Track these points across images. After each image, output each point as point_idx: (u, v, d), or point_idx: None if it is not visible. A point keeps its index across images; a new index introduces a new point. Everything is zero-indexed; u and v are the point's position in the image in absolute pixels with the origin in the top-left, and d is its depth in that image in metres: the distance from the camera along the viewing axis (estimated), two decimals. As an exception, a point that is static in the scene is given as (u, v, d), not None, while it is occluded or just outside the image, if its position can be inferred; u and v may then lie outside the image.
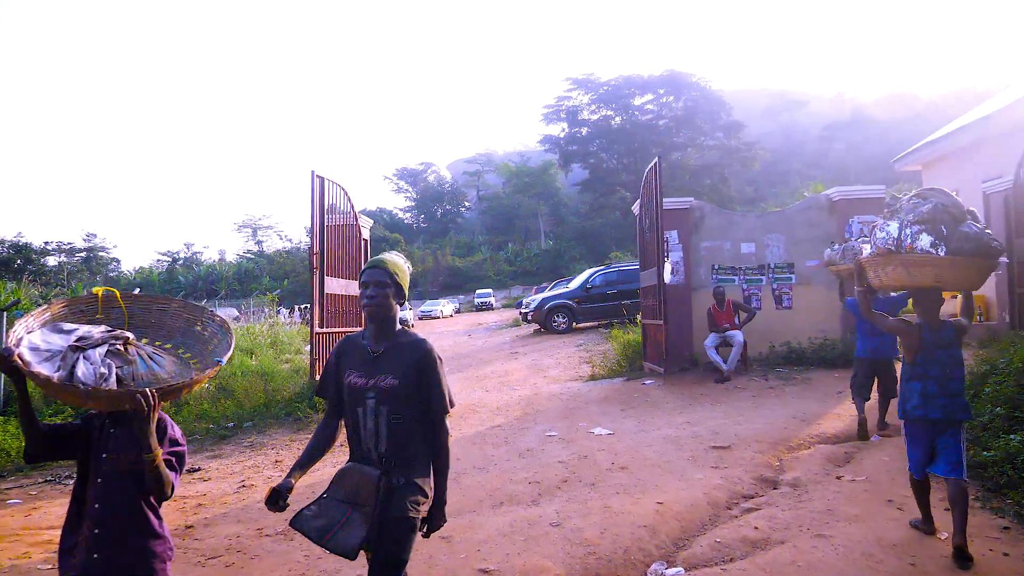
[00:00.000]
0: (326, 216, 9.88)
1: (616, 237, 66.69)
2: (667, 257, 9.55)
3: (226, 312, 34.43)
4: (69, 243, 71.51)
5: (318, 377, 9.67)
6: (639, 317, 12.72)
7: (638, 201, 11.34)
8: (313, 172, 9.60)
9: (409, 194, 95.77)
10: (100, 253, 74.59)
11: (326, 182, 9.85)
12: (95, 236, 74.20)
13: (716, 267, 11.15)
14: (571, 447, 7.37)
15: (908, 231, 4.09)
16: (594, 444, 7.41)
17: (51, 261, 69.28)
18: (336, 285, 10.14)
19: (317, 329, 9.50)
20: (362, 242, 11.33)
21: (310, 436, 7.84)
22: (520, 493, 5.92)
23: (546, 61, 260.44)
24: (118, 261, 77.57)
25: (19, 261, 63.31)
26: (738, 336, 10.04)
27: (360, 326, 11.05)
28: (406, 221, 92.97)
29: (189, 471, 7.79)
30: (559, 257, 67.37)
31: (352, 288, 10.73)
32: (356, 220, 11.06)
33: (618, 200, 71.58)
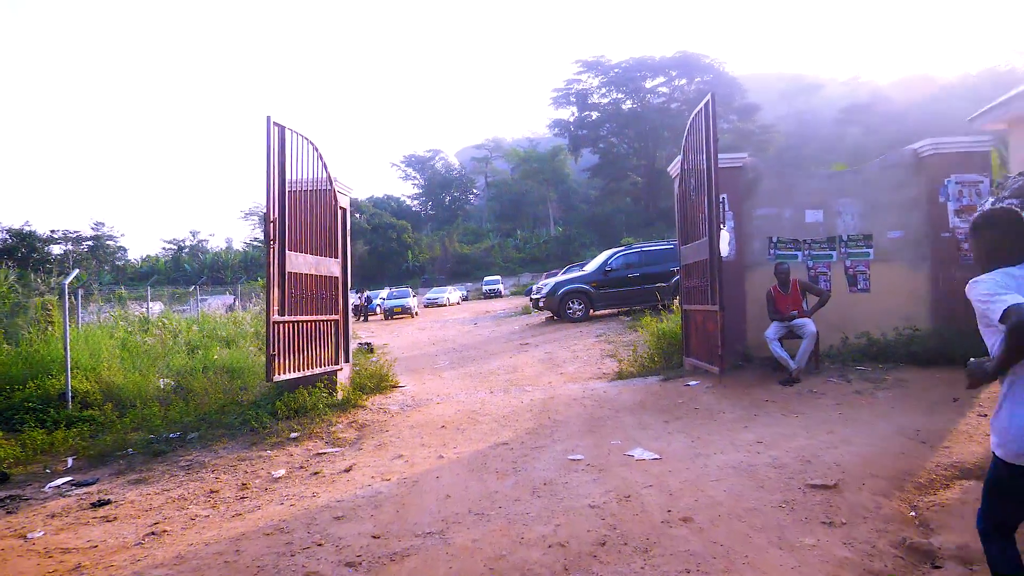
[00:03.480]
0: (288, 176, 7.84)
1: (627, 223, 64.98)
2: (723, 224, 7.44)
3: (221, 300, 32.52)
4: (76, 231, 70.15)
5: (276, 378, 7.70)
6: (676, 302, 10.68)
7: (676, 160, 9.23)
8: (270, 119, 7.53)
9: (417, 181, 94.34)
10: (107, 242, 73.23)
11: (288, 133, 7.80)
12: (103, 225, 72.84)
13: (774, 240, 9.02)
14: (604, 480, 5.33)
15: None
16: (636, 476, 5.36)
17: (56, 249, 68.07)
18: (302, 262, 8.11)
19: (275, 317, 7.48)
20: (339, 211, 9.26)
21: (265, 453, 5.60)
22: (537, 567, 3.88)
23: (555, 44, 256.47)
24: (125, 250, 76.16)
25: (23, 249, 62.02)
26: (809, 326, 7.94)
27: (335, 313, 9.02)
28: (414, 208, 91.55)
29: (95, 504, 5.84)
30: (569, 244, 65.56)
31: (324, 267, 8.69)
32: (331, 184, 9.00)
33: (629, 185, 69.76)
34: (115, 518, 5.47)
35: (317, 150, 8.55)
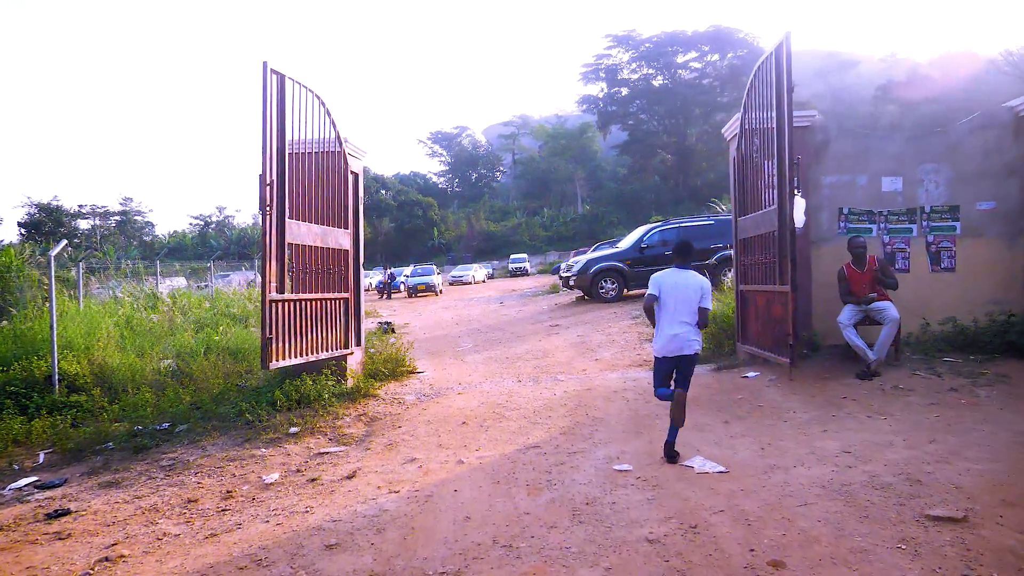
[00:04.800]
0: (291, 136, 6.85)
1: (656, 202, 63.53)
2: (798, 190, 6.26)
3: (243, 276, 31.86)
4: (103, 207, 70.25)
5: (273, 364, 6.73)
6: (728, 280, 9.59)
7: (734, 118, 8.06)
8: (267, 65, 6.51)
9: (443, 158, 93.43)
10: (135, 217, 73.42)
11: (289, 83, 6.79)
12: (131, 200, 73.00)
13: (846, 211, 7.85)
14: (661, 500, 4.30)
15: None
16: (701, 495, 4.32)
17: (83, 224, 68.42)
18: (305, 232, 7.13)
19: (272, 295, 6.52)
20: (349, 175, 8.24)
21: (259, 452, 4.79)
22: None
23: (585, 18, 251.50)
24: (152, 225, 76.35)
25: (49, 224, 62.35)
26: (891, 310, 6.80)
27: (345, 291, 8.05)
28: (440, 185, 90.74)
29: (50, 516, 4.95)
30: (596, 222, 64.42)
31: (332, 238, 7.70)
32: (340, 145, 7.98)
33: (658, 163, 68.10)
34: (69, 535, 4.56)
35: (324, 105, 7.53)
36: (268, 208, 6.48)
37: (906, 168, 7.81)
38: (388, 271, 36.89)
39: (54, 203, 64.23)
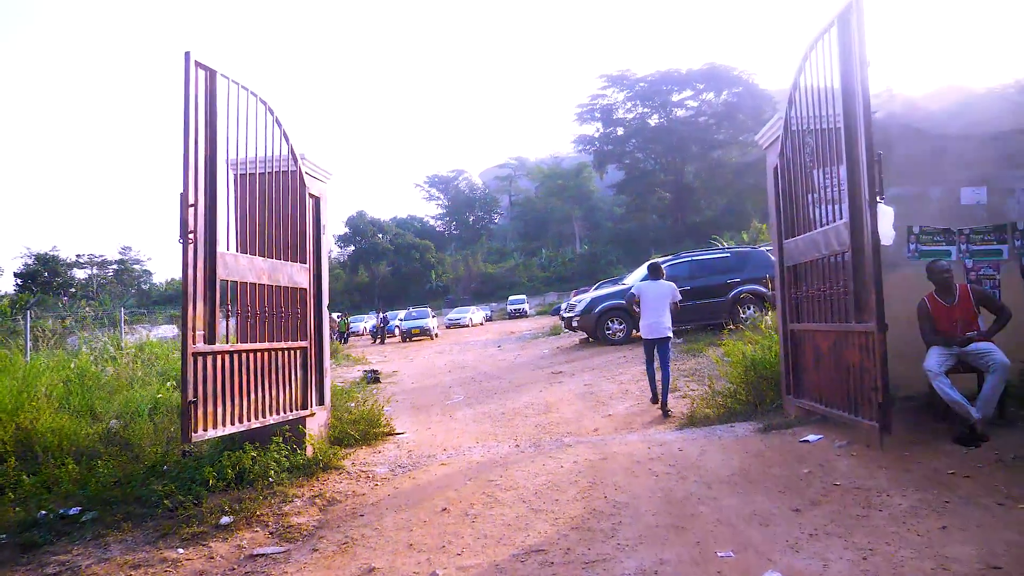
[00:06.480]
0: (229, 153, 5.47)
1: (655, 240, 62.55)
2: (882, 197, 4.76)
3: (235, 322, 30.28)
4: (100, 256, 69.37)
5: (197, 436, 5.11)
6: (764, 318, 8.12)
7: (773, 121, 6.67)
8: (189, 56, 5.13)
9: (440, 201, 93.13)
10: (133, 266, 72.49)
11: (222, 81, 5.41)
12: (129, 249, 72.36)
13: (916, 230, 6.40)
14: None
15: None
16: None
17: (80, 274, 67.51)
18: (247, 267, 5.69)
19: (196, 347, 5.05)
20: (307, 199, 6.79)
21: (172, 554, 3.06)
22: None
23: (579, 58, 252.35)
24: (150, 273, 75.32)
25: (45, 274, 61.40)
26: (996, 354, 5.25)
27: (302, 339, 6.56)
28: (437, 228, 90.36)
29: None
30: (595, 262, 63.65)
31: (284, 274, 6.22)
32: (296, 164, 6.56)
33: (656, 201, 67.22)
34: None
35: (272, 113, 6.15)
36: (191, 235, 5.02)
37: (990, 175, 6.37)
38: (381, 315, 35.48)
39: (51, 253, 63.45)
